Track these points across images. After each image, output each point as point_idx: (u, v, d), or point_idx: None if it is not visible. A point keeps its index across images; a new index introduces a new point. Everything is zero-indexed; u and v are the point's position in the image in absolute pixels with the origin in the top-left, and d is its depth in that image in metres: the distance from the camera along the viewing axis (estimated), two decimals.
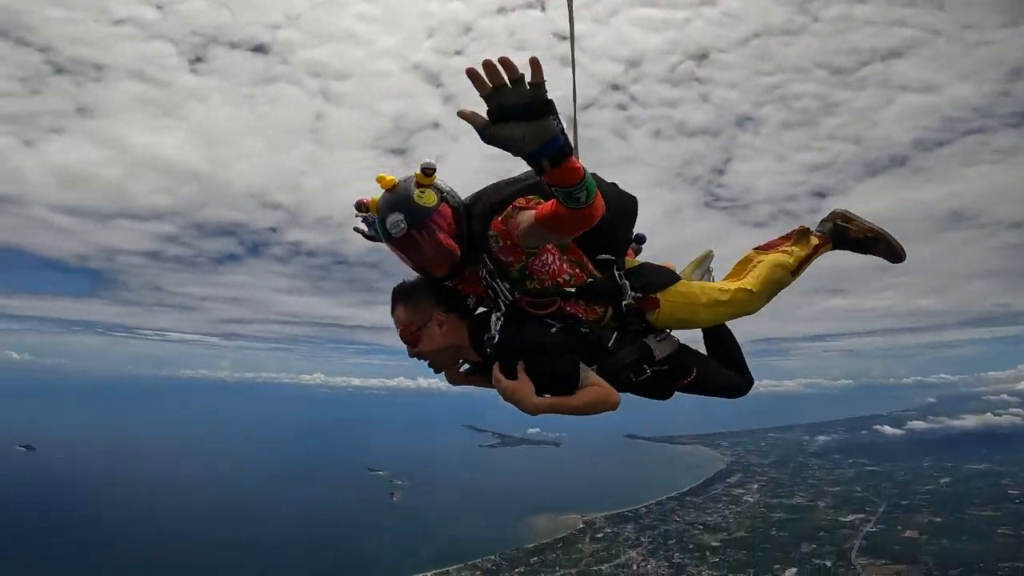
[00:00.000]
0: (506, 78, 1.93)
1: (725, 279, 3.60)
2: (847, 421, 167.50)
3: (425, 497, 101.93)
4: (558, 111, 2.05)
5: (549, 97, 1.99)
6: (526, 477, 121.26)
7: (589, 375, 2.86)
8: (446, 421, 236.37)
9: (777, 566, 61.74)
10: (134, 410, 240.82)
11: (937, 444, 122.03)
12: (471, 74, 1.93)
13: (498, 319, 2.98)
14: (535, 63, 1.94)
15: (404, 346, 3.13)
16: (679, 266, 3.73)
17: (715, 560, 65.95)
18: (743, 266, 3.57)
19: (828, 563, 60.81)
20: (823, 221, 3.87)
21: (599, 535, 78.71)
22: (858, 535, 68.64)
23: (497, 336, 2.95)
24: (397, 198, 2.70)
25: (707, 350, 3.77)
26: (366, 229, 3.41)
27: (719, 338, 3.80)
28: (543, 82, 1.98)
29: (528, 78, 1.95)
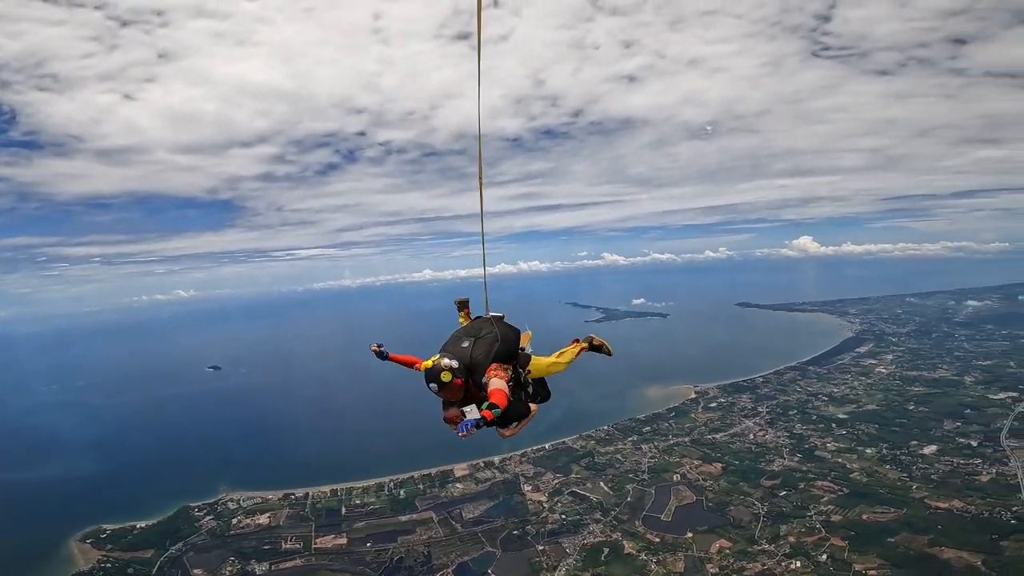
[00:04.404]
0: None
1: (554, 354, 6.85)
2: (1002, 288, 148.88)
3: None
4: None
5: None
6: (635, 348, 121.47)
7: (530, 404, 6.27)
8: (550, 300, 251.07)
9: (914, 443, 58.06)
10: (288, 323, 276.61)
11: None
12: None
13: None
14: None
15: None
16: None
17: (842, 432, 63.23)
18: (565, 351, 6.98)
19: (974, 443, 56.16)
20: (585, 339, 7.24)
21: (712, 404, 78.39)
22: (1009, 415, 62.24)
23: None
24: (432, 375, 5.18)
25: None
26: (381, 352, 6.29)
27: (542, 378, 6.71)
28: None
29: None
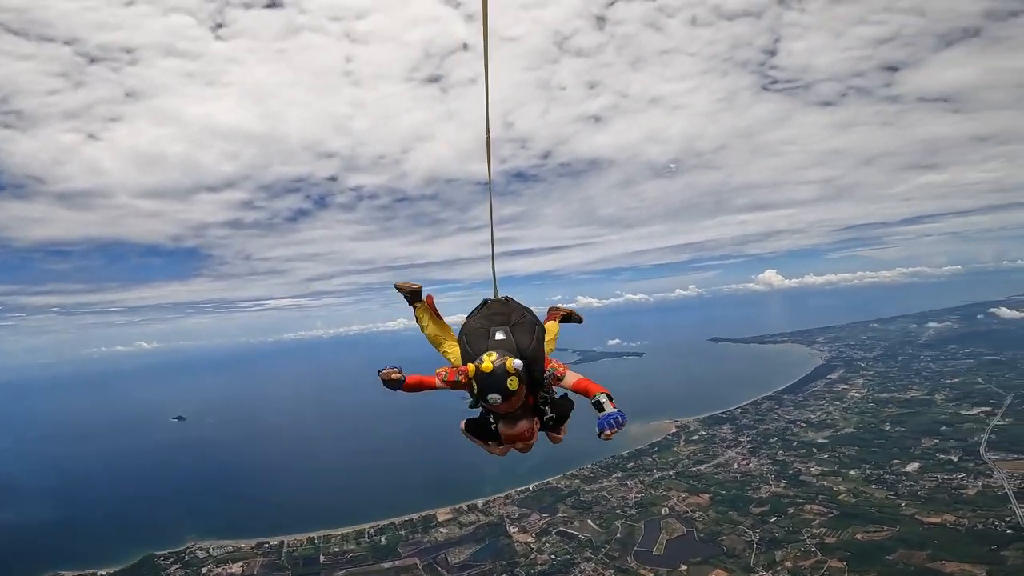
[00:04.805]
0: None
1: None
2: (960, 309, 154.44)
3: None
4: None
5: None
6: (613, 387, 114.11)
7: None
8: None
9: (896, 461, 58.10)
10: (255, 375, 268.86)
11: None
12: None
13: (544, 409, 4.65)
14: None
15: (518, 445, 4.63)
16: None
17: (823, 456, 63.16)
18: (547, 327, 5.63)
19: (954, 458, 56.48)
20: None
21: (694, 438, 77.76)
22: (985, 429, 63.09)
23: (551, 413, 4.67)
24: (495, 382, 4.08)
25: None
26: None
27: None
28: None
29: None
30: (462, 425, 4.98)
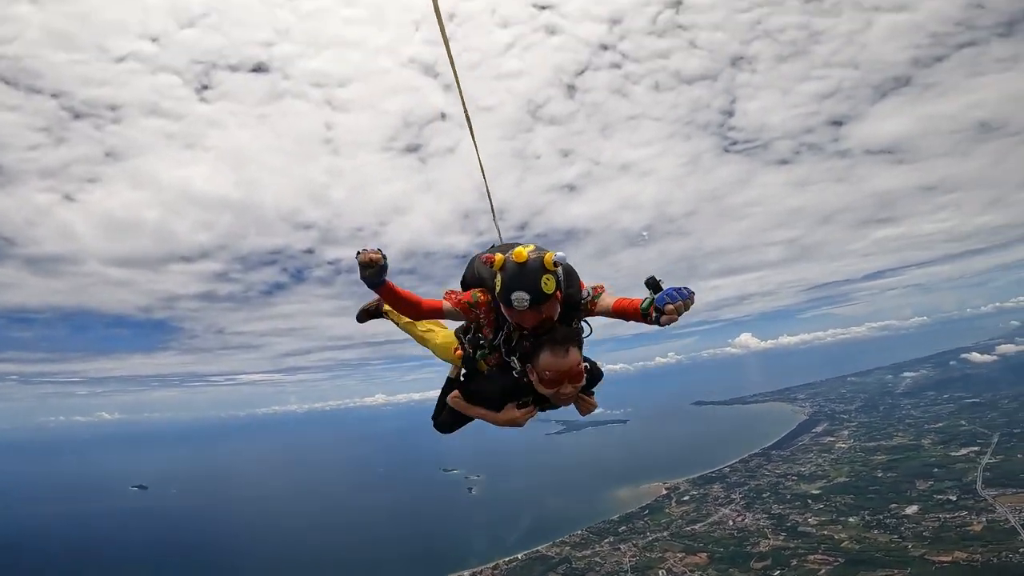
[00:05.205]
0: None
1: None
2: (932, 357, 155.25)
3: (503, 487, 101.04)
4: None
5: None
6: (600, 454, 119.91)
7: None
8: None
9: (894, 505, 56.23)
10: (223, 448, 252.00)
11: None
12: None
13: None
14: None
15: (565, 389, 3.67)
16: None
17: (819, 507, 60.94)
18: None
19: (953, 497, 54.94)
20: None
21: (685, 498, 75.01)
22: (977, 467, 62.23)
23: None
24: (526, 278, 3.28)
25: None
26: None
27: None
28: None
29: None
30: (453, 395, 4.04)
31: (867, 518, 55.01)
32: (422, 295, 3.84)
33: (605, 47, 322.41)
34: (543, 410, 4.04)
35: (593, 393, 4.19)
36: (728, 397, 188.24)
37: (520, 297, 3.22)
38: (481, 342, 3.91)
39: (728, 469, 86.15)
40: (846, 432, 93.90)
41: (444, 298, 3.81)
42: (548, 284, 3.26)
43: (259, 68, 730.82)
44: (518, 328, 3.62)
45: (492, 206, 5.07)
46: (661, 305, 3.35)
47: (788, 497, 66.53)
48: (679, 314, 3.38)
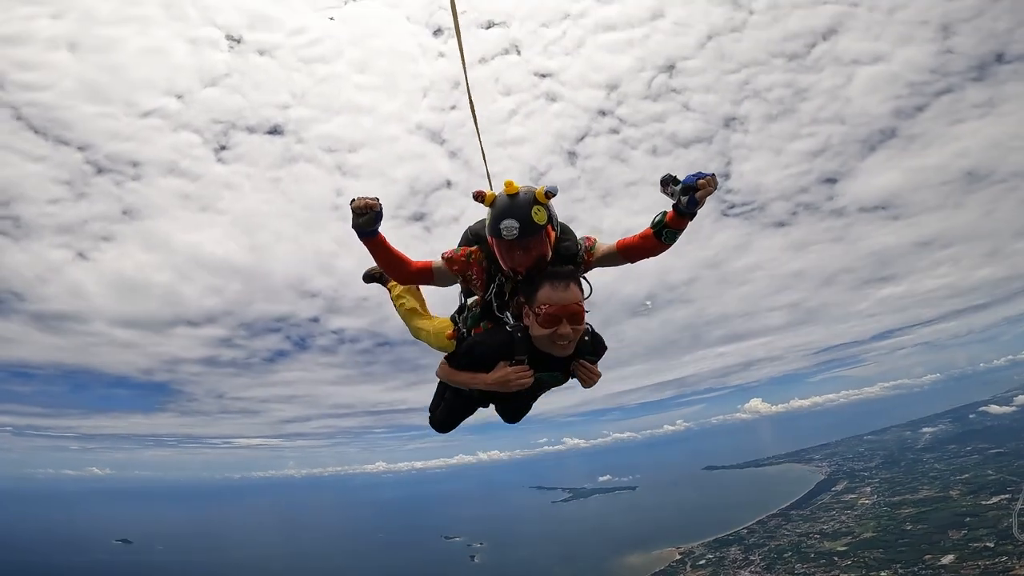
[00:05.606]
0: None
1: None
2: (949, 412, 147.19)
3: (508, 555, 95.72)
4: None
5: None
6: (608, 521, 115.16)
7: None
8: (512, 486, 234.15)
9: (928, 556, 52.01)
10: (216, 507, 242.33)
11: None
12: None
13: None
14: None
15: (564, 328, 3.36)
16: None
17: (847, 563, 56.60)
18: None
19: (990, 544, 50.87)
20: None
21: (701, 562, 70.46)
22: (1011, 514, 58.05)
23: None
24: (517, 207, 3.22)
25: None
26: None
27: None
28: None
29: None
30: (442, 367, 3.72)
31: (900, 571, 51.24)
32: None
33: (603, 112, 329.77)
34: (538, 372, 3.55)
35: (596, 362, 3.85)
36: (740, 461, 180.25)
37: (510, 225, 3.15)
38: (476, 311, 3.82)
39: (745, 531, 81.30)
40: (868, 488, 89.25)
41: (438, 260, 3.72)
42: (539, 215, 3.22)
43: (275, 130, 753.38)
44: (511, 278, 3.52)
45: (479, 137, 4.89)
46: (692, 182, 3.22)
47: (812, 556, 62.22)
48: (714, 187, 3.25)
